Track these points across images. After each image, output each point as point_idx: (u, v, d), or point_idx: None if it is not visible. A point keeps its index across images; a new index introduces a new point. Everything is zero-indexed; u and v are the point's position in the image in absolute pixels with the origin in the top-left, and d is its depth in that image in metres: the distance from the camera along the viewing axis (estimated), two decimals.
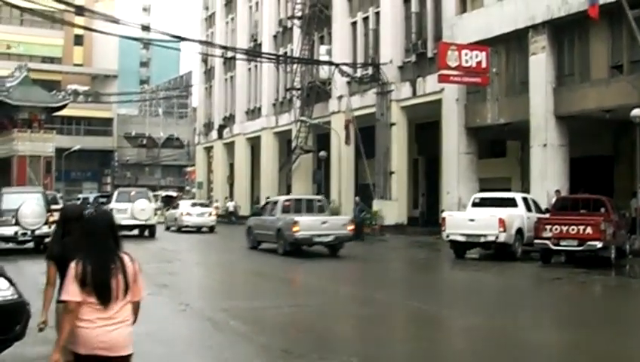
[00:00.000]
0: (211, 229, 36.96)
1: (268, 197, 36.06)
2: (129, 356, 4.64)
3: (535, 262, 20.07)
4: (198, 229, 36.82)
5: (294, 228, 21.82)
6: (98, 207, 22.54)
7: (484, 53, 26.77)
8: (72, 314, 4.50)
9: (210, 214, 38.20)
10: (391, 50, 34.45)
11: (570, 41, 25.13)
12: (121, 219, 27.52)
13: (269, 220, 23.86)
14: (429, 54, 31.89)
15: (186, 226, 36.92)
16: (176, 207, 40.14)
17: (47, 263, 5.93)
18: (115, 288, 4.55)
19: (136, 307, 4.72)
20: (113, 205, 30.64)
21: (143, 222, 30.63)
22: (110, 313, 4.53)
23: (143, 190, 34.69)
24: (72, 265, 4.57)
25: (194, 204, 40.16)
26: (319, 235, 22.10)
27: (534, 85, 25.51)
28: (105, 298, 4.52)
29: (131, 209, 30.27)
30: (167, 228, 37.36)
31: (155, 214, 32.05)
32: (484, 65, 26.73)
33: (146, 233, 31.16)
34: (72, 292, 4.52)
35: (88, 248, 4.64)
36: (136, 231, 30.77)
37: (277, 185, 47.80)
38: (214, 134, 57.27)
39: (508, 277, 17.83)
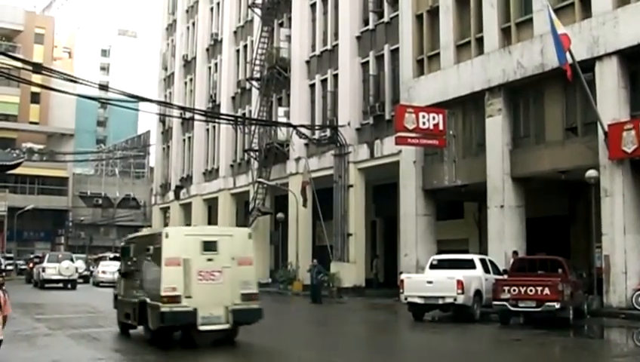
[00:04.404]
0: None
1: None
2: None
3: (494, 323, 19.86)
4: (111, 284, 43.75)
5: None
6: None
7: (441, 116, 26.97)
8: None
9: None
10: (349, 113, 34.61)
11: (526, 103, 25.46)
12: (51, 274, 40.01)
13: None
14: (387, 116, 32.06)
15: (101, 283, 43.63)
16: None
17: None
18: None
19: (4, 317, 9.45)
20: (45, 264, 40.75)
21: (67, 278, 40.01)
22: None
23: (67, 253, 46.47)
24: None
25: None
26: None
27: (491, 147, 25.70)
28: None
29: (58, 268, 39.97)
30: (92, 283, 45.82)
31: (76, 272, 41.37)
32: (441, 127, 26.91)
33: (69, 286, 39.83)
34: None
35: None
36: (61, 284, 39.83)
37: None
38: (171, 195, 56.71)
39: (467, 339, 17.56)
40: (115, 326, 17.54)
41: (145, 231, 17.98)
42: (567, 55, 20.62)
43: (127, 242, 17.99)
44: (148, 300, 14.65)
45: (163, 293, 13.92)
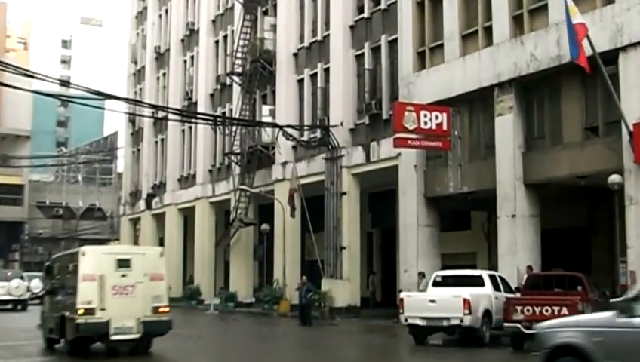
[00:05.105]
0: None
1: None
2: None
3: (505, 347, 19.87)
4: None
5: None
6: None
7: (444, 115, 26.96)
8: None
9: None
10: (341, 111, 34.62)
11: (540, 100, 25.49)
12: None
13: None
14: (384, 116, 32.07)
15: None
16: None
17: None
18: None
19: None
20: None
21: (17, 298, 40.03)
22: None
23: (17, 271, 48.45)
24: None
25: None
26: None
27: (501, 149, 25.70)
28: None
29: (7, 287, 39.80)
30: None
31: (28, 291, 41.42)
32: (445, 127, 26.89)
33: (19, 307, 39.70)
34: None
35: None
36: (10, 306, 39.45)
37: (213, 262, 47.17)
38: (142, 204, 56.56)
39: None
40: (73, 353, 18.46)
41: (66, 251, 22.08)
42: (587, 46, 20.61)
43: (52, 262, 21.48)
44: (67, 314, 17.72)
45: (79, 306, 17.05)
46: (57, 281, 19.88)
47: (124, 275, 17.55)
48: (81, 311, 16.94)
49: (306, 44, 38.61)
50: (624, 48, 21.92)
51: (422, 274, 27.07)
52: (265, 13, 41.98)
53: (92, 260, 17.65)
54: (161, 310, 18.00)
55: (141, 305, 17.61)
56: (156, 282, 18.07)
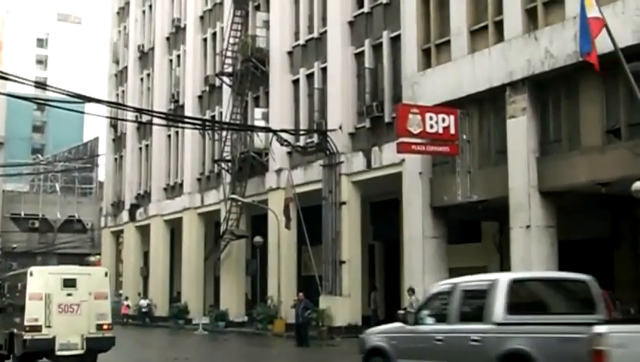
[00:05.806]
0: None
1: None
2: None
3: None
4: None
5: None
6: None
7: (452, 117, 26.82)
8: None
9: None
10: (340, 114, 34.51)
11: (556, 101, 25.31)
12: None
13: None
14: (387, 118, 32.00)
15: None
16: None
17: None
18: None
19: None
20: None
21: None
22: None
23: None
24: None
25: None
26: None
27: (513, 154, 25.54)
28: None
29: None
30: None
31: None
32: (452, 131, 26.75)
33: None
34: None
35: None
36: None
37: (202, 277, 47.06)
38: (125, 215, 56.50)
39: None
40: None
41: (16, 271, 25.17)
42: (606, 41, 20.42)
43: (2, 281, 24.29)
44: (15, 330, 20.20)
45: (26, 323, 19.48)
46: (7, 300, 22.35)
47: (69, 294, 19.99)
48: (28, 328, 19.39)
49: (301, 41, 38.53)
50: None
51: (412, 291, 26.92)
52: (257, 8, 41.91)
53: (39, 280, 20.04)
54: (105, 327, 20.32)
55: (85, 323, 20.02)
56: (100, 300, 20.47)
